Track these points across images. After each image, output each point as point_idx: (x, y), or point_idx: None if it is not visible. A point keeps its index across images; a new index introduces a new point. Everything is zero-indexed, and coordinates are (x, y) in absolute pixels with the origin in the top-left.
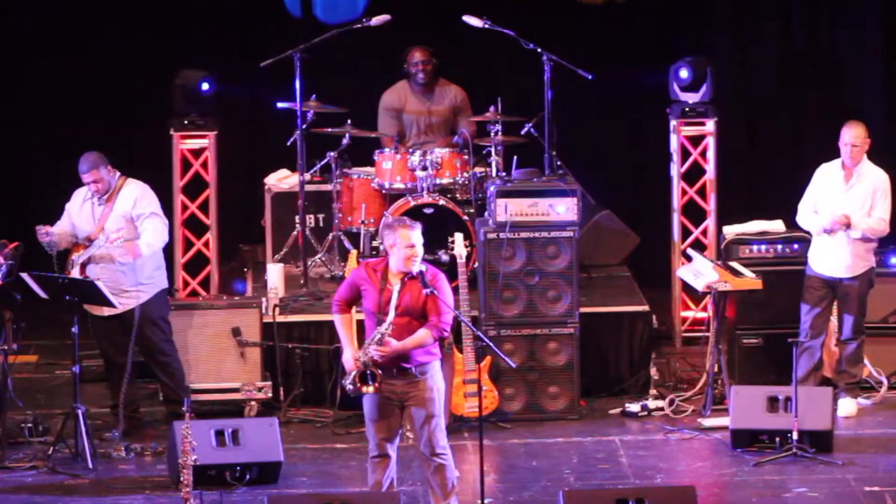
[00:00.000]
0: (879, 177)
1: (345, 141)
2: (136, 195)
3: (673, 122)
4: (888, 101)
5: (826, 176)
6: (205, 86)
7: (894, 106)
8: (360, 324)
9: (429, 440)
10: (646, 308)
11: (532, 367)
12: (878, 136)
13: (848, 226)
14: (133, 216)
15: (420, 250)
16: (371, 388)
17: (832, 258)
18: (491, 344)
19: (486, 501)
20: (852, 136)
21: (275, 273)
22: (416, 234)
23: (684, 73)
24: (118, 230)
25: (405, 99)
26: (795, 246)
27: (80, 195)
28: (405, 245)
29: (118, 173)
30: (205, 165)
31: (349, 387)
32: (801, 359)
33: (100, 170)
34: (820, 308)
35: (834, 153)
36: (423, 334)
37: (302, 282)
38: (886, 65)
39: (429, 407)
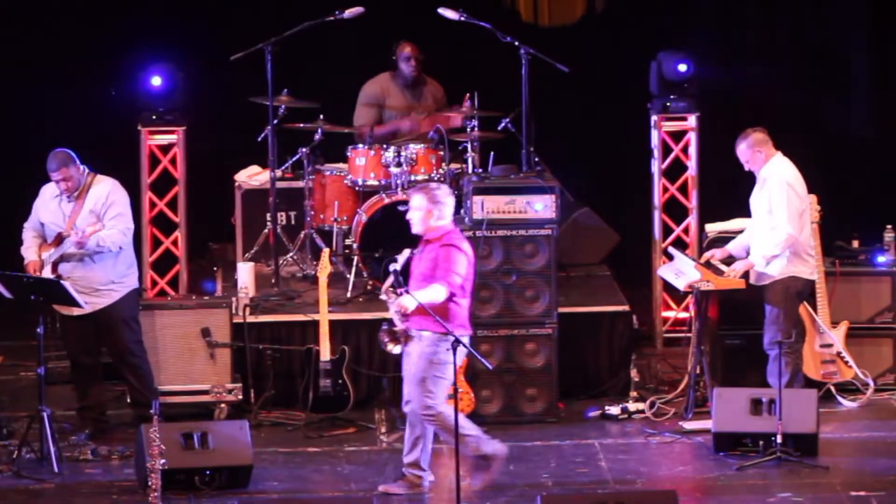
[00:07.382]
0: (771, 178)
1: (317, 136)
2: (107, 192)
3: (654, 118)
4: (875, 99)
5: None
6: (161, 80)
7: (881, 103)
8: None
9: None
10: (626, 308)
11: (509, 369)
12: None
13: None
14: (101, 213)
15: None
16: None
17: None
18: (467, 345)
19: None
20: (738, 153)
21: (245, 272)
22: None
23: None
24: (93, 224)
25: (388, 92)
26: None
27: (48, 192)
28: None
29: (88, 170)
30: (173, 162)
31: None
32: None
33: (69, 168)
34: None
35: (820, 149)
36: None
37: (273, 281)
38: (873, 61)
39: None
